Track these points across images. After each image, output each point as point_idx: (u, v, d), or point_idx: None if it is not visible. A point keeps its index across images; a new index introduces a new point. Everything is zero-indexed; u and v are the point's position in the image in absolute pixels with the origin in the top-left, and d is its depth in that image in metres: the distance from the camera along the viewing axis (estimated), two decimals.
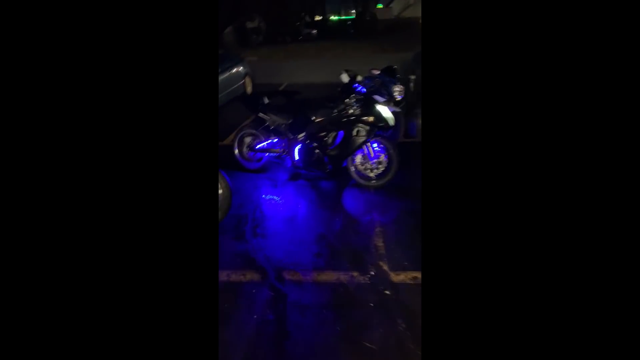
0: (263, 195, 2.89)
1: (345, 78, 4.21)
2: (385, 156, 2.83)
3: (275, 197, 2.86)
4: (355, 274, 1.94)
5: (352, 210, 2.64)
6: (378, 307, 1.71)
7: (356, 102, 2.76)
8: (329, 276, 1.93)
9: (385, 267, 1.97)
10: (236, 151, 3.33)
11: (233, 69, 6.14)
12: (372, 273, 1.94)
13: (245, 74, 6.60)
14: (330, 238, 2.28)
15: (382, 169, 2.85)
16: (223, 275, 1.96)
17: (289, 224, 2.46)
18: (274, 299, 1.79)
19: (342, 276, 1.92)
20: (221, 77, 5.61)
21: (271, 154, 3.22)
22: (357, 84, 2.99)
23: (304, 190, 2.95)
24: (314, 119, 2.88)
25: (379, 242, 2.20)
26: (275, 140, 3.19)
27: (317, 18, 27.63)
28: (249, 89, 6.72)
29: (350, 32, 21.87)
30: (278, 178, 3.20)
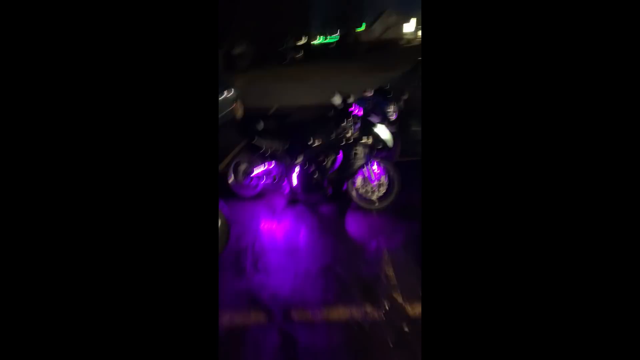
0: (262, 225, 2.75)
1: (337, 99, 4.20)
2: (385, 177, 2.75)
3: (274, 226, 2.73)
4: (368, 309, 1.80)
5: (357, 236, 2.52)
6: (398, 347, 1.57)
7: (353, 124, 2.71)
8: (340, 313, 1.79)
9: (400, 300, 1.84)
10: (231, 179, 3.21)
11: (221, 95, 6.12)
12: (387, 307, 1.80)
13: (235, 99, 6.58)
14: (337, 269, 2.14)
15: (384, 190, 2.76)
16: (224, 318, 1.79)
17: (292, 256, 2.32)
18: (284, 346, 1.63)
19: (355, 312, 1.78)
20: None
21: (268, 180, 3.11)
22: (353, 106, 2.95)
23: (304, 216, 2.83)
24: (311, 143, 2.80)
25: (389, 271, 2.07)
26: (272, 166, 3.09)
27: (301, 42, 28.43)
28: (240, 114, 6.68)
29: (335, 54, 22.50)
30: (276, 205, 3.07)
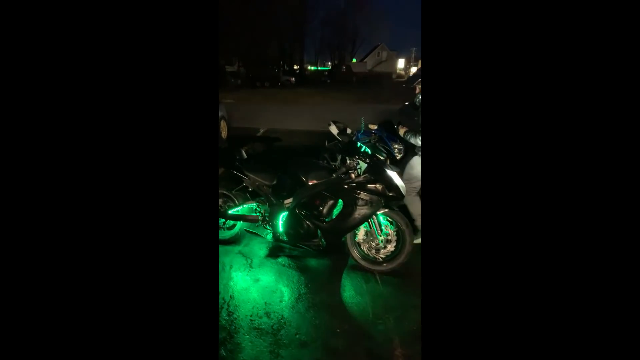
0: (231, 283, 2.12)
1: (334, 129, 3.72)
2: (395, 232, 2.22)
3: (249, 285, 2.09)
4: None
5: (357, 312, 1.92)
6: None
7: (358, 163, 2.17)
8: None
9: None
10: None
11: None
12: None
13: (221, 118, 6.04)
14: None
15: (392, 248, 2.22)
16: None
17: (272, 339, 1.69)
18: None
19: None
20: None
21: (247, 222, 2.51)
22: (359, 141, 2.47)
23: (288, 274, 2.23)
24: (306, 181, 2.25)
25: None
26: (254, 204, 2.51)
27: (295, 67, 28.77)
28: (224, 134, 6.13)
29: (327, 82, 22.72)
30: (254, 254, 2.45)
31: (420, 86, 2.41)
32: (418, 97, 2.41)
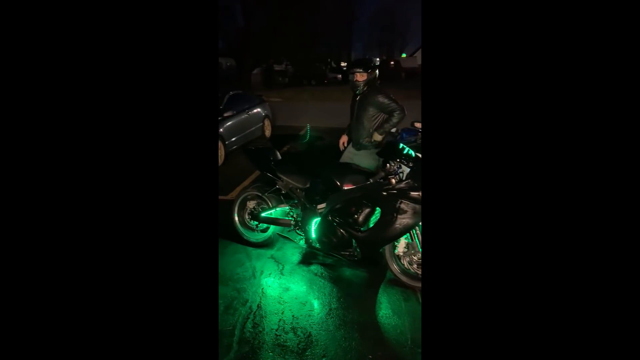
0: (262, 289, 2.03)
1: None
2: None
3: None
4: None
5: (393, 336, 1.70)
6: None
7: (400, 167, 1.92)
8: None
9: None
10: (236, 217, 2.55)
11: (253, 109, 5.69)
12: None
13: (265, 117, 6.11)
14: None
15: None
16: None
17: (300, 357, 1.56)
18: None
19: None
20: (239, 118, 5.13)
21: (280, 226, 2.42)
22: (403, 141, 2.23)
23: (320, 284, 2.08)
24: (340, 186, 2.07)
25: None
26: (287, 208, 2.40)
27: (343, 64, 28.52)
28: (268, 133, 6.19)
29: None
30: (286, 260, 2.35)
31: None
32: None
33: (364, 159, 2.53)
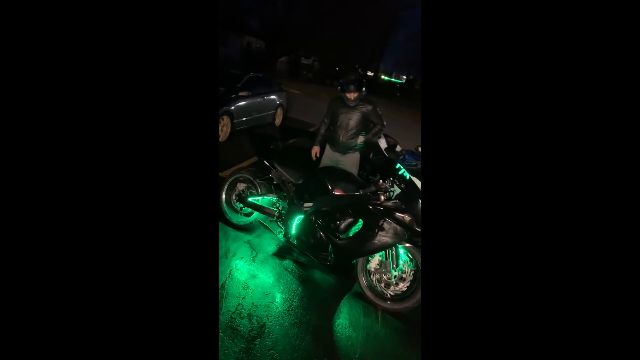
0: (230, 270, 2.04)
1: (382, 143, 3.47)
2: (412, 271, 1.96)
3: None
4: None
5: (344, 347, 1.72)
6: None
7: (392, 186, 1.93)
8: None
9: None
10: (223, 195, 2.57)
11: (269, 95, 5.70)
12: None
13: (279, 105, 6.13)
14: None
15: (404, 288, 1.97)
16: None
17: (244, 346, 1.57)
18: None
19: None
20: (253, 100, 5.14)
21: (263, 215, 2.43)
22: (404, 162, 2.24)
23: (287, 280, 2.09)
24: (330, 190, 2.08)
25: None
26: (275, 198, 2.41)
27: (370, 73, 28.51)
28: (278, 121, 6.21)
29: (397, 95, 22.12)
30: (261, 248, 2.36)
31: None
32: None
33: (349, 162, 2.69)
